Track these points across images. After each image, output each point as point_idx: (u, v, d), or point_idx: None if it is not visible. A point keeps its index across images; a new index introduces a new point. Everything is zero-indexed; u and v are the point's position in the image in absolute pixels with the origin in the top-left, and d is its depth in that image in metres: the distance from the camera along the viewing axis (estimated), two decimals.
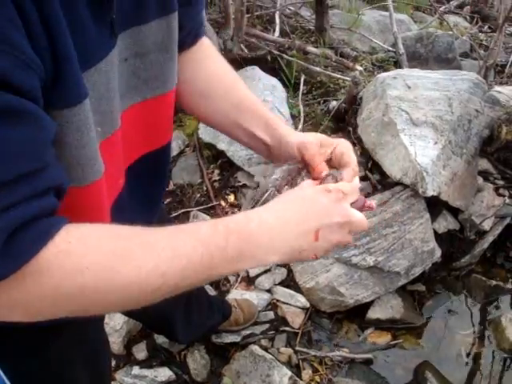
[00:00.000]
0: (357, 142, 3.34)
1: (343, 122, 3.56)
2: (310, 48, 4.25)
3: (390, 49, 4.51)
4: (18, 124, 0.71)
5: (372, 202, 1.14)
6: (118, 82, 0.96)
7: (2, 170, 0.70)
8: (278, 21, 4.56)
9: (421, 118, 2.97)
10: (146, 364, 2.56)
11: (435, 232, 2.93)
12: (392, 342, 2.79)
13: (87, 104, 0.83)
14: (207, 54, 1.33)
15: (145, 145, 1.19)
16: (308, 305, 2.81)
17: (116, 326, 2.59)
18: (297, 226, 0.94)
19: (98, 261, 0.79)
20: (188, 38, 1.25)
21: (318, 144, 1.13)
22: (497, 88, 3.61)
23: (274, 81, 3.75)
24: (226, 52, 3.98)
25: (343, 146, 1.14)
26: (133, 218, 0.92)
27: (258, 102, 1.28)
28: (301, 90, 3.84)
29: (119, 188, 1.11)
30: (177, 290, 0.86)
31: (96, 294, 0.80)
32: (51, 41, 0.75)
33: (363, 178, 3.12)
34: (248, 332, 2.65)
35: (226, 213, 3.20)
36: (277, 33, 4.47)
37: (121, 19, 0.91)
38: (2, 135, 0.70)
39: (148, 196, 1.29)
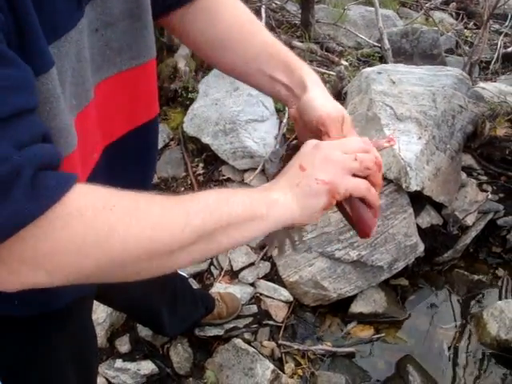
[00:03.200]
0: None
1: None
2: (296, 42, 4.24)
3: (376, 44, 4.51)
4: (4, 65, 0.70)
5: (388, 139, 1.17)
6: (90, 53, 0.95)
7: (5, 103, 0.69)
8: (263, 15, 4.54)
9: (405, 113, 2.98)
10: (128, 357, 2.56)
11: (418, 227, 2.95)
12: (374, 336, 2.80)
13: (54, 73, 0.81)
14: (221, 2, 1.27)
15: (126, 121, 1.16)
16: (291, 299, 2.82)
17: (99, 319, 2.58)
18: (283, 174, 0.98)
19: (125, 201, 0.79)
20: None
21: (338, 121, 1.11)
22: (481, 84, 3.63)
23: None
24: None
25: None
26: None
27: (280, 46, 1.24)
28: None
29: (92, 164, 1.09)
30: (200, 236, 0.83)
31: (125, 233, 0.76)
32: (13, 9, 0.73)
33: None
34: (231, 325, 2.65)
35: None
36: None
37: None
38: None
39: (134, 180, 1.26)
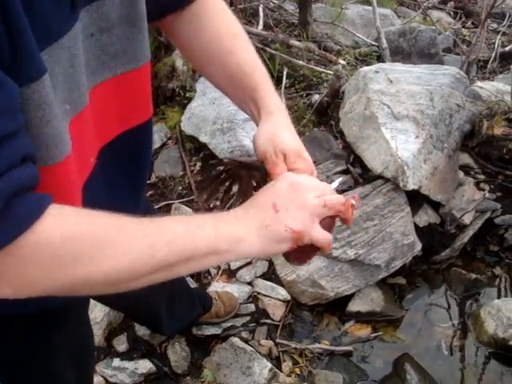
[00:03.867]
0: (339, 135, 3.35)
1: (325, 116, 3.56)
2: (294, 41, 4.24)
3: (373, 43, 4.51)
4: None
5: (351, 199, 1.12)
6: (84, 58, 0.94)
7: None
8: (261, 14, 4.55)
9: (402, 112, 2.98)
10: (126, 356, 2.56)
11: (416, 225, 2.95)
12: (372, 335, 2.81)
13: (47, 80, 0.81)
14: (209, 12, 1.26)
15: (120, 123, 1.16)
16: (289, 297, 2.82)
17: (96, 318, 2.58)
18: (254, 208, 0.97)
19: (95, 229, 0.81)
20: None
21: (296, 155, 1.11)
22: (479, 83, 3.64)
23: None
24: None
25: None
26: (112, 205, 0.89)
27: (255, 67, 1.23)
28: (283, 84, 3.84)
29: (90, 167, 1.08)
30: (163, 268, 0.88)
31: (90, 262, 0.80)
32: (4, 16, 0.72)
33: (345, 172, 3.13)
34: (229, 324, 2.65)
35: (208, 205, 3.20)
36: (260, 26, 4.46)
37: None
38: None
39: (128, 181, 1.27)
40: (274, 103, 1.18)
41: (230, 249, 0.91)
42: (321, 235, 0.99)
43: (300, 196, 0.98)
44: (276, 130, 1.14)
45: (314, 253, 1.04)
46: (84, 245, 0.79)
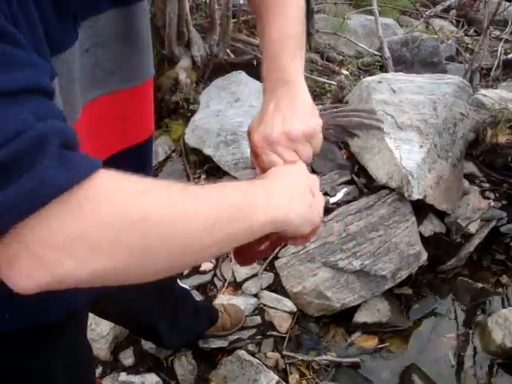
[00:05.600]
0: (343, 145, 3.35)
1: None
2: None
3: (376, 53, 4.52)
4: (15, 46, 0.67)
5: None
6: (79, 72, 0.95)
7: (20, 77, 0.65)
8: None
9: (406, 121, 2.98)
10: (133, 370, 2.55)
11: (421, 235, 2.94)
12: (379, 346, 2.79)
13: (56, 83, 0.82)
14: None
15: (118, 141, 1.16)
16: (295, 309, 2.81)
17: (103, 332, 2.58)
18: (296, 186, 0.97)
19: (158, 187, 0.74)
20: None
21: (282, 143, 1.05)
22: (482, 91, 3.64)
23: (261, 86, 3.74)
24: (212, 57, 3.98)
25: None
26: None
27: (294, 29, 1.11)
28: None
29: None
30: (227, 230, 0.79)
31: (159, 218, 0.70)
32: (28, 20, 0.74)
33: (349, 182, 3.13)
34: (235, 337, 2.64)
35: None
36: None
37: (81, 9, 0.90)
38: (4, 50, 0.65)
39: None
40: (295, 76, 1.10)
41: (282, 219, 0.88)
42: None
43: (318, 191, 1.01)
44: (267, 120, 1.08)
45: (257, 258, 1.06)
46: (150, 201, 0.70)
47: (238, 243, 0.84)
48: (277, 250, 2.92)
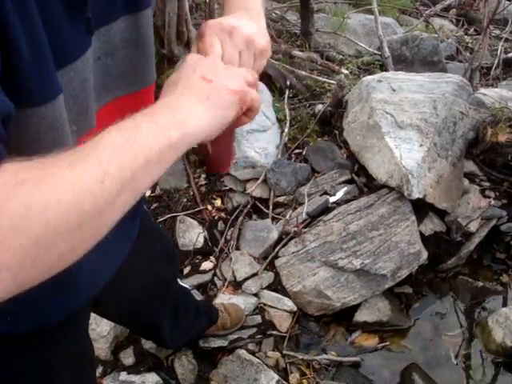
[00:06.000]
0: (343, 145, 3.35)
1: (329, 126, 3.57)
2: (296, 52, 4.25)
3: (376, 52, 4.52)
4: None
5: None
6: (93, 81, 0.96)
7: None
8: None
9: (406, 120, 2.98)
10: (133, 369, 2.55)
11: (421, 234, 2.94)
12: (379, 345, 2.79)
13: (61, 100, 0.83)
14: None
15: None
16: (295, 308, 2.81)
17: (103, 331, 2.58)
18: (185, 88, 0.89)
19: (34, 171, 0.66)
20: None
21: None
22: (482, 90, 3.63)
23: (260, 85, 3.74)
24: None
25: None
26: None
27: None
28: (287, 94, 3.84)
29: None
30: (125, 183, 0.73)
31: (45, 206, 0.64)
32: (30, 36, 0.74)
33: (349, 181, 3.13)
34: (235, 336, 2.65)
35: (213, 217, 3.20)
36: None
37: (94, 18, 0.91)
38: None
39: None
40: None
41: (182, 134, 0.80)
42: (258, 95, 0.94)
43: (221, 64, 0.94)
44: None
45: (229, 158, 1.02)
46: (29, 190, 0.64)
47: (144, 183, 0.77)
48: (277, 249, 2.92)
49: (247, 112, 0.95)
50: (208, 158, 0.98)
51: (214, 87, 0.88)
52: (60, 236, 0.66)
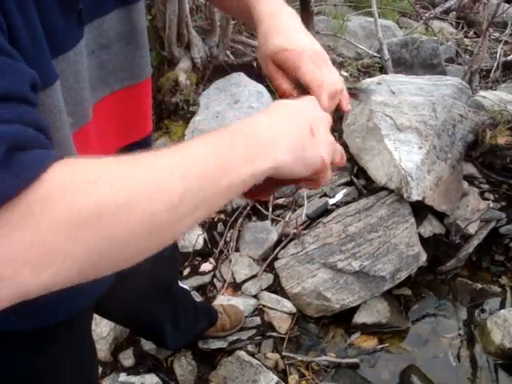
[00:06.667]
0: (342, 147, 3.35)
1: None
2: None
3: (376, 54, 4.52)
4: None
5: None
6: (87, 74, 0.97)
7: None
8: None
9: (405, 123, 2.99)
10: (132, 371, 2.56)
11: (421, 236, 2.95)
12: (378, 347, 2.80)
13: (58, 86, 0.83)
14: None
15: (119, 138, 1.18)
16: (294, 310, 2.82)
17: (103, 332, 2.58)
18: (291, 123, 0.86)
19: (111, 169, 0.66)
20: None
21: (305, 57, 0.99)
22: (481, 93, 3.64)
23: (260, 87, 3.76)
24: (212, 59, 3.99)
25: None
26: None
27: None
28: None
29: None
30: (200, 200, 0.72)
31: (116, 207, 0.63)
32: (26, 22, 0.75)
33: (349, 183, 3.14)
34: (234, 338, 2.65)
35: (213, 219, 3.21)
36: None
37: (86, 11, 0.92)
38: None
39: None
40: (267, 6, 1.09)
41: (269, 167, 0.78)
42: (330, 175, 0.92)
43: (326, 129, 0.91)
44: (266, 34, 1.04)
45: (265, 197, 0.99)
46: (105, 188, 0.63)
47: (218, 205, 0.77)
48: (277, 250, 2.93)
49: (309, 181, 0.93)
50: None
51: (312, 143, 0.86)
52: (131, 239, 0.66)
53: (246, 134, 0.79)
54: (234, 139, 0.77)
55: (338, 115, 3.20)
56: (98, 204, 0.62)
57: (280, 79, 1.01)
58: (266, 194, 0.98)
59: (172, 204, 0.67)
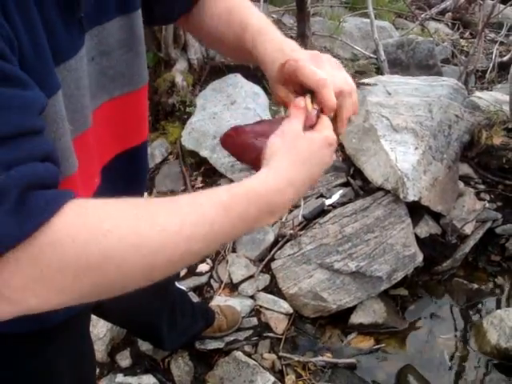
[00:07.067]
0: (339, 148, 3.36)
1: None
2: None
3: (372, 55, 4.53)
4: (11, 86, 0.69)
5: None
6: (87, 81, 0.97)
7: (3, 123, 0.67)
8: None
9: (401, 123, 3.00)
10: (129, 371, 2.56)
11: (417, 236, 2.96)
12: (375, 347, 2.80)
13: (60, 95, 0.84)
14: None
15: (117, 144, 1.19)
16: (291, 310, 2.82)
17: (99, 333, 2.59)
18: (305, 174, 0.93)
19: (121, 224, 0.72)
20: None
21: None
22: (477, 93, 3.65)
23: (257, 88, 3.76)
24: (208, 60, 3.99)
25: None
26: None
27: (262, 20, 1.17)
28: None
29: (94, 187, 1.11)
30: (198, 255, 0.82)
31: (121, 260, 0.71)
32: (29, 32, 0.76)
33: (345, 184, 3.15)
34: (231, 338, 2.65)
35: None
36: None
37: (87, 19, 0.93)
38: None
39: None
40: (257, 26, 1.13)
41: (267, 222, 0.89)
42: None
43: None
44: (262, 57, 1.08)
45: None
46: (112, 242, 0.70)
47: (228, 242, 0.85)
48: (273, 251, 2.93)
49: None
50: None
51: (312, 170, 0.94)
52: (127, 284, 0.77)
53: (263, 199, 0.87)
54: (249, 204, 0.85)
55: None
56: (105, 255, 0.70)
57: (276, 88, 1.04)
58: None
59: (171, 261, 0.77)
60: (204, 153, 3.40)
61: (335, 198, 3.05)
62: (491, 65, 4.85)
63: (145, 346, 2.61)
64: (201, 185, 3.43)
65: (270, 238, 3.01)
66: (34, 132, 0.71)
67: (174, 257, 0.76)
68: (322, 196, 3.10)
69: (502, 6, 4.57)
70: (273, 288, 2.91)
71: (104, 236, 0.70)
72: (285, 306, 2.82)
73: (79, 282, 0.70)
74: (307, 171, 0.92)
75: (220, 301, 2.79)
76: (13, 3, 0.73)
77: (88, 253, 0.69)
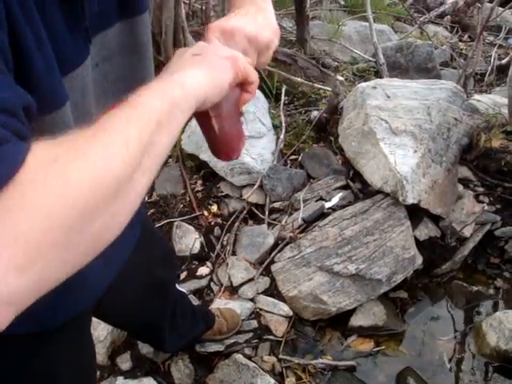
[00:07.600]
0: (338, 151, 3.38)
1: (325, 132, 3.59)
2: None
3: (371, 59, 4.55)
4: None
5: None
6: (92, 87, 0.98)
7: None
8: None
9: (400, 126, 3.00)
10: (130, 374, 2.56)
11: (416, 239, 2.96)
12: (375, 349, 2.81)
13: (68, 106, 0.86)
14: None
15: None
16: (291, 313, 2.83)
17: (100, 336, 2.59)
18: (177, 60, 0.92)
19: (65, 145, 0.66)
20: None
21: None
22: (476, 96, 3.66)
23: (256, 92, 3.76)
24: None
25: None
26: None
27: None
28: (282, 101, 3.86)
29: None
30: (164, 138, 0.77)
31: (81, 175, 0.62)
32: (40, 49, 0.77)
33: (345, 187, 3.15)
34: (231, 341, 2.66)
35: (210, 223, 3.22)
36: None
37: (91, 27, 0.93)
38: None
39: None
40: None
41: (184, 92, 0.82)
42: (251, 68, 0.97)
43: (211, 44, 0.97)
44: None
45: (239, 142, 1.04)
46: (64, 163, 0.62)
47: (164, 145, 0.79)
48: (273, 254, 2.94)
49: (246, 87, 0.98)
50: (216, 142, 1.00)
51: (204, 56, 0.91)
52: (100, 205, 0.65)
53: (149, 85, 0.81)
54: (142, 90, 0.79)
55: None
56: (65, 178, 0.62)
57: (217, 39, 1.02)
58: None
59: (122, 157, 0.68)
60: (204, 156, 3.40)
61: (335, 200, 3.06)
62: (490, 68, 4.87)
63: (145, 349, 2.61)
64: (200, 188, 3.44)
65: (270, 240, 3.01)
66: (15, 115, 0.66)
67: (122, 151, 0.69)
68: (321, 199, 3.11)
69: (501, 9, 4.59)
70: (273, 291, 2.91)
71: (55, 161, 0.63)
72: (285, 309, 2.83)
73: (52, 218, 0.60)
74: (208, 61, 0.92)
75: (220, 304, 2.80)
76: (23, 19, 0.74)
77: (49, 185, 0.60)
